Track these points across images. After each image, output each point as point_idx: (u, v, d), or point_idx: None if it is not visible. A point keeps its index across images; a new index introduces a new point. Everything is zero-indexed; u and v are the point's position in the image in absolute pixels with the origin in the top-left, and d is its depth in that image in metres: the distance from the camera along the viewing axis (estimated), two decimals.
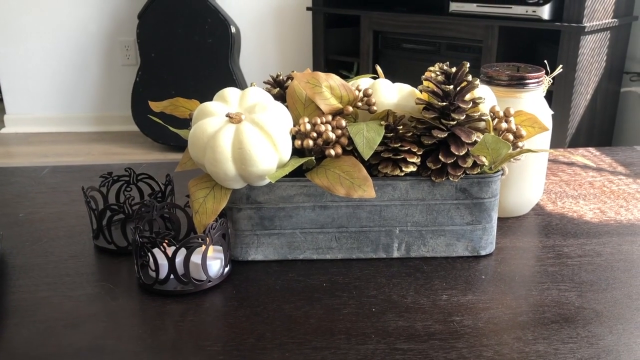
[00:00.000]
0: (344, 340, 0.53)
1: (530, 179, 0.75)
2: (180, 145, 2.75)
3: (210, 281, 0.61)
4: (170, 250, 0.59)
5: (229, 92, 0.60)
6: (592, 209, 0.79)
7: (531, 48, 2.22)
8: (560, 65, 0.80)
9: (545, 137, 0.75)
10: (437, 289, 0.61)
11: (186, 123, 0.69)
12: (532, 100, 0.73)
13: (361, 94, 0.64)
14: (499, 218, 0.75)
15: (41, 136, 3.08)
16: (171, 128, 0.71)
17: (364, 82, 0.68)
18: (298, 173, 0.62)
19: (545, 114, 0.73)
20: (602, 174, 0.91)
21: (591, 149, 1.03)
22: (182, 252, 0.60)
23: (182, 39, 2.72)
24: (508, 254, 0.68)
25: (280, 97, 0.68)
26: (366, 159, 0.59)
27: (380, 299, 0.59)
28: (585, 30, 1.92)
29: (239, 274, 0.64)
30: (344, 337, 0.53)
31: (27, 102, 3.12)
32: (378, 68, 0.71)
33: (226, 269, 0.63)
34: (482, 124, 0.64)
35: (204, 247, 0.60)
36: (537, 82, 0.72)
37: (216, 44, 2.69)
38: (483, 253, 0.67)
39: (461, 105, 0.61)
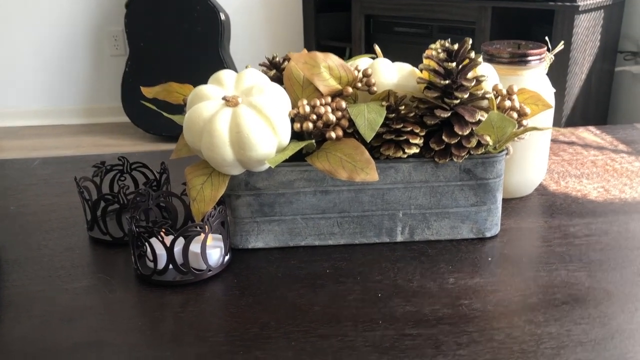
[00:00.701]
0: (350, 327, 0.51)
1: (533, 159, 0.74)
2: (172, 135, 2.72)
3: (210, 270, 0.59)
4: (168, 240, 0.57)
5: (225, 74, 0.58)
6: (596, 188, 0.77)
7: (525, 29, 2.20)
8: (562, 42, 0.78)
9: (548, 116, 0.73)
10: (444, 272, 0.59)
11: (179, 109, 0.67)
12: (534, 78, 0.71)
13: (360, 75, 0.62)
14: (502, 199, 0.74)
15: (29, 129, 3.04)
16: (165, 114, 0.69)
17: (362, 62, 0.66)
18: (297, 157, 0.60)
19: (547, 92, 0.71)
20: (604, 153, 0.90)
21: (591, 128, 1.02)
22: (181, 241, 0.58)
23: (171, 28, 2.68)
24: (513, 235, 0.66)
25: (277, 80, 0.66)
26: (368, 141, 0.57)
27: (385, 284, 0.57)
28: (580, 9, 1.91)
29: (239, 263, 0.62)
30: (351, 323, 0.52)
31: (13, 96, 3.07)
32: (377, 48, 0.69)
33: (226, 258, 0.61)
34: (484, 103, 0.63)
35: (202, 235, 0.58)
36: (539, 59, 0.71)
37: (206, 31, 2.66)
38: (488, 235, 0.65)
39: (464, 83, 0.59)
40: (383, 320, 0.52)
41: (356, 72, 0.62)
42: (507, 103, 0.63)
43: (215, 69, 2.83)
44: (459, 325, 0.51)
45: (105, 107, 3.11)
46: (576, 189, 0.78)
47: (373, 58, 0.68)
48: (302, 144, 0.58)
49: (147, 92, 0.68)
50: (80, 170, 0.88)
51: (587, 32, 2.02)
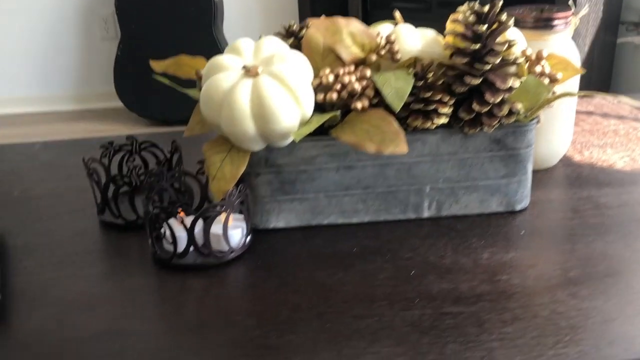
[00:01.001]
0: (386, 306, 0.49)
1: (559, 128, 0.71)
2: (167, 119, 2.68)
3: (232, 252, 0.56)
4: (188, 221, 0.54)
5: (243, 43, 0.55)
6: (621, 157, 0.75)
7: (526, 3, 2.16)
8: (587, 5, 0.75)
9: (574, 83, 0.70)
10: (476, 247, 0.57)
11: (191, 84, 0.63)
12: (560, 43, 0.68)
13: (383, 41, 0.59)
14: None
15: (20, 117, 2.98)
16: (179, 88, 0.65)
17: (383, 28, 0.62)
18: (318, 132, 0.57)
19: (574, 57, 0.68)
20: (625, 121, 0.87)
21: (608, 97, 0.99)
22: (200, 222, 0.55)
23: (163, 9, 2.61)
24: (543, 208, 0.64)
25: (295, 49, 0.62)
26: (397, 111, 0.54)
27: (417, 261, 0.55)
28: None
29: (261, 243, 0.59)
30: (386, 303, 0.49)
31: (1, 83, 3.00)
32: (397, 14, 0.65)
33: (247, 239, 0.58)
34: (512, 69, 0.59)
35: (223, 216, 0.55)
36: (565, 23, 0.68)
37: (199, 12, 2.60)
38: (518, 208, 0.63)
39: (495, 47, 0.56)
40: (420, 299, 0.49)
41: (378, 39, 0.59)
42: (538, 69, 0.60)
43: (209, 49, 2.77)
44: (500, 302, 0.48)
45: (97, 93, 3.05)
46: (601, 159, 0.75)
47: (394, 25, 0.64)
48: (327, 116, 0.55)
49: (157, 65, 0.64)
50: (84, 153, 0.84)
51: (589, 3, 1.98)
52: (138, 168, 0.64)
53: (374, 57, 0.58)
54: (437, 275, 0.53)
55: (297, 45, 0.62)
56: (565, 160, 0.75)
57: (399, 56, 0.59)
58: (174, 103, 2.64)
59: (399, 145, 0.53)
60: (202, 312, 0.50)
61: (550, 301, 0.48)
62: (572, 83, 0.69)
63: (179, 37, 2.64)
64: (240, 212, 0.58)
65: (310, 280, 0.53)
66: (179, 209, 0.56)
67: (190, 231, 0.54)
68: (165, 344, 0.46)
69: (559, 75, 0.60)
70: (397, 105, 0.53)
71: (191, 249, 0.55)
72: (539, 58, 0.61)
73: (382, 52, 0.59)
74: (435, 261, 0.55)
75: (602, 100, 0.98)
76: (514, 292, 0.50)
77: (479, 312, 0.47)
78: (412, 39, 0.60)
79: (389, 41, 0.59)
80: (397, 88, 0.54)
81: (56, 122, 2.91)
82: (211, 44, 2.61)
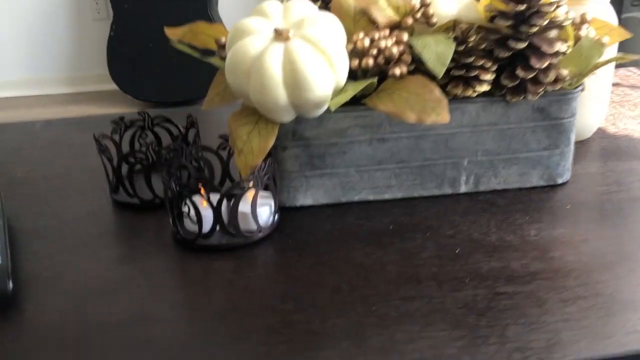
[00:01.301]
0: (434, 287, 0.45)
1: (597, 99, 0.67)
2: (163, 101, 2.62)
3: (260, 231, 0.52)
4: (214, 198, 0.50)
5: (269, 5, 0.50)
6: None
7: None
8: None
9: (612, 50, 0.66)
10: (521, 223, 0.53)
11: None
12: (598, 8, 0.64)
13: (418, 4, 0.55)
14: None
15: (12, 101, 2.91)
16: (200, 57, 0.61)
17: None
18: (349, 102, 0.53)
19: (613, 22, 0.64)
20: None
21: (632, 69, 0.95)
22: (224, 201, 0.51)
23: None
24: (585, 181, 0.60)
25: None
26: (439, 77, 0.50)
27: (460, 239, 0.51)
28: None
29: (289, 222, 0.55)
30: (434, 283, 0.46)
31: None
32: None
33: (275, 217, 0.54)
34: (553, 33, 0.55)
35: (250, 193, 0.51)
36: None
37: None
38: (560, 181, 0.59)
39: (541, 9, 0.52)
40: (470, 279, 0.46)
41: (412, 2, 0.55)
42: (582, 32, 0.56)
43: None
44: (557, 280, 0.45)
45: (91, 75, 2.98)
46: (637, 130, 0.71)
47: None
48: (364, 83, 0.50)
49: (171, 33, 0.60)
50: (88, 132, 0.80)
51: None
52: (153, 144, 0.60)
53: (410, 21, 0.54)
54: (484, 253, 0.49)
55: (325, 8, 0.57)
56: (600, 132, 0.71)
57: (434, 20, 0.55)
58: (170, 85, 2.58)
59: (441, 114, 0.49)
60: (233, 295, 0.46)
61: (611, 278, 0.45)
62: (612, 50, 0.65)
63: (173, 17, 2.57)
64: (266, 188, 0.54)
65: (347, 260, 0.49)
66: (201, 187, 0.52)
67: (216, 209, 0.50)
68: (197, 330, 0.42)
69: (606, 39, 0.56)
70: (440, 71, 0.49)
71: (217, 228, 0.51)
72: (583, 21, 0.57)
73: (418, 15, 0.54)
74: (480, 238, 0.51)
75: (626, 72, 0.94)
76: (570, 270, 0.46)
77: (537, 291, 0.44)
78: (447, 2, 0.56)
79: (423, 4, 0.54)
80: (438, 53, 0.50)
81: (50, 105, 2.84)
82: None
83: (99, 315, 0.44)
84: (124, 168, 0.59)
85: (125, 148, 0.66)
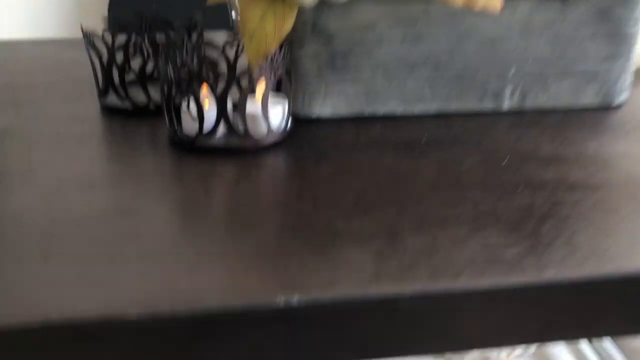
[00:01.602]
0: (483, 192, 0.37)
1: None
2: None
3: (271, 134, 0.44)
4: (219, 88, 0.42)
5: None
6: None
7: None
8: None
9: None
10: (576, 139, 0.45)
11: None
12: None
13: None
14: None
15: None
16: None
17: None
18: None
19: None
20: None
21: None
22: (230, 98, 0.44)
23: None
24: None
25: None
26: None
27: (506, 151, 0.44)
28: None
29: (303, 132, 0.48)
30: (480, 190, 0.38)
31: None
32: None
33: (288, 124, 0.46)
34: None
35: (260, 89, 0.43)
36: None
37: None
38: (616, 101, 0.52)
39: None
40: (524, 186, 0.38)
41: None
42: None
43: None
44: (630, 189, 0.37)
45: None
46: None
47: None
48: None
49: None
50: (79, 49, 0.72)
51: None
52: (149, 44, 0.52)
53: None
54: (538, 164, 0.41)
55: None
56: None
57: None
58: None
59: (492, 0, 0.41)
60: (239, 194, 0.38)
61: None
62: None
63: None
64: (278, 88, 0.46)
65: (375, 166, 0.41)
66: (204, 85, 0.44)
67: (220, 99, 0.42)
68: (190, 226, 0.35)
69: None
70: None
71: (221, 127, 0.43)
72: None
73: None
74: (531, 151, 0.43)
75: None
76: None
77: (605, 199, 0.36)
78: None
79: None
80: None
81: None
82: None
83: (75, 211, 0.36)
84: (116, 75, 0.51)
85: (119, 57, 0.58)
